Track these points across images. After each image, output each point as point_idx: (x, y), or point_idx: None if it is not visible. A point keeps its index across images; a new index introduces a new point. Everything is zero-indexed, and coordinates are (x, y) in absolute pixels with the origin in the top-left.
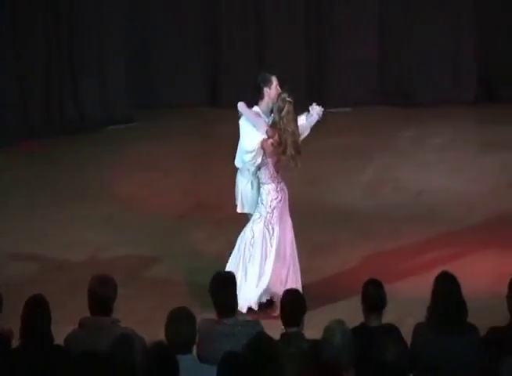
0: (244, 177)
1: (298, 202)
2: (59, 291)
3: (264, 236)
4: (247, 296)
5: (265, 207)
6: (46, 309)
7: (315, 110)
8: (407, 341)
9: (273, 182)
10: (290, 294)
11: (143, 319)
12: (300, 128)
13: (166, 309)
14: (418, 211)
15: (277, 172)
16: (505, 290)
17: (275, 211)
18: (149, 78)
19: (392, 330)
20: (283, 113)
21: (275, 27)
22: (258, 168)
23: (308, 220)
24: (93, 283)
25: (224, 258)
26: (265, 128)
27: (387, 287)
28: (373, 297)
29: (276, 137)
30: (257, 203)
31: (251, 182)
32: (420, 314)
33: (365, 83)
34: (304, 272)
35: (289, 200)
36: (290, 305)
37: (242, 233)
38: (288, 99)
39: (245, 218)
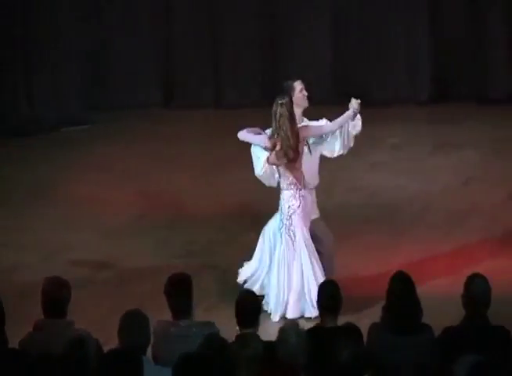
0: None
1: (254, 205)
2: (12, 292)
3: (287, 244)
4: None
5: (284, 214)
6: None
7: (351, 104)
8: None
9: (292, 188)
10: (244, 295)
11: (98, 321)
12: (319, 128)
13: (121, 311)
14: (373, 210)
15: (297, 179)
16: (461, 289)
17: (293, 216)
18: (103, 80)
19: (351, 330)
20: (277, 117)
21: (229, 27)
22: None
23: (262, 221)
24: (47, 285)
25: (178, 260)
26: (264, 143)
27: (342, 287)
28: (328, 298)
29: (278, 145)
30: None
31: None
32: (375, 314)
33: (319, 84)
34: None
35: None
36: (245, 306)
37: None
38: (280, 101)
39: (199, 219)
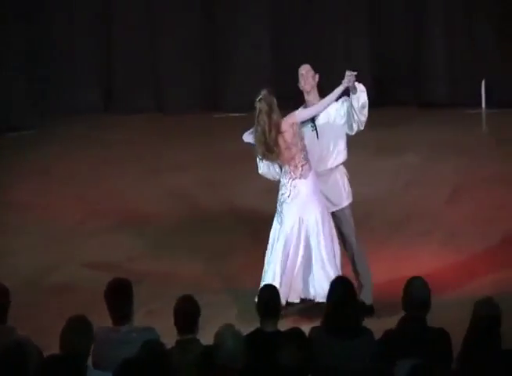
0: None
1: (194, 207)
2: None
3: (274, 229)
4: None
5: (278, 200)
6: None
7: (345, 78)
8: None
9: (286, 177)
10: (182, 300)
11: (42, 327)
12: (304, 111)
13: (63, 317)
14: None
15: (292, 169)
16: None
17: (283, 205)
18: (47, 85)
19: (295, 335)
20: (256, 113)
21: (168, 31)
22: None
23: (204, 226)
24: None
25: (120, 265)
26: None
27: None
28: (268, 302)
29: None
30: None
31: None
32: (315, 317)
33: (260, 87)
34: (198, 278)
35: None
36: (183, 313)
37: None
38: (258, 97)
39: (142, 223)
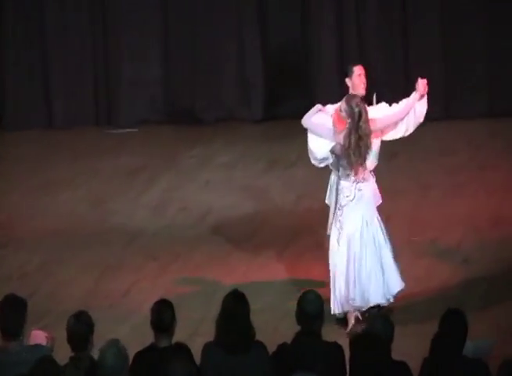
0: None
1: (84, 223)
2: None
3: (334, 233)
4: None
5: (337, 203)
6: None
7: (417, 85)
8: (197, 360)
9: (349, 180)
10: (72, 320)
11: None
12: (384, 120)
13: None
14: (206, 230)
15: (355, 172)
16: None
17: (345, 208)
18: None
19: (181, 350)
20: (356, 116)
21: (60, 47)
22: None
23: (93, 242)
24: None
25: (11, 281)
26: (333, 139)
27: (176, 307)
28: (158, 318)
29: (347, 142)
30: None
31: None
32: (208, 333)
33: (150, 102)
34: (91, 294)
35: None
36: (75, 329)
37: None
38: (353, 103)
39: (31, 240)
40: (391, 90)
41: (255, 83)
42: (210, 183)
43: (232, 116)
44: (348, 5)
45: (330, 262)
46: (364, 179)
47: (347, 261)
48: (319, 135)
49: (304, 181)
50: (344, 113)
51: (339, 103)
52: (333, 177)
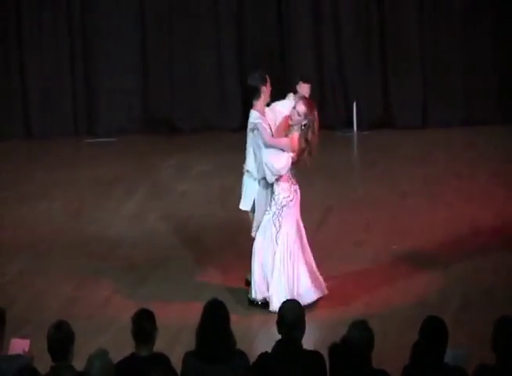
0: (252, 178)
1: (61, 234)
2: None
3: (269, 229)
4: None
5: (276, 204)
6: None
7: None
8: (177, 369)
9: (288, 181)
10: (55, 327)
11: None
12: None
13: None
14: (184, 239)
15: (292, 174)
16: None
17: (284, 209)
18: None
19: (160, 359)
20: (310, 117)
21: (38, 57)
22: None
23: (72, 252)
24: None
25: None
26: (290, 150)
27: (155, 315)
28: (139, 327)
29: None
30: (270, 200)
31: (258, 181)
32: (189, 342)
33: (128, 111)
34: (71, 303)
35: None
36: (56, 338)
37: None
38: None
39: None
40: (368, 101)
41: (233, 93)
42: (188, 192)
43: (209, 125)
44: (325, 15)
45: (258, 260)
46: (296, 182)
47: (283, 258)
48: (282, 148)
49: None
50: (299, 116)
51: (286, 101)
52: (256, 182)
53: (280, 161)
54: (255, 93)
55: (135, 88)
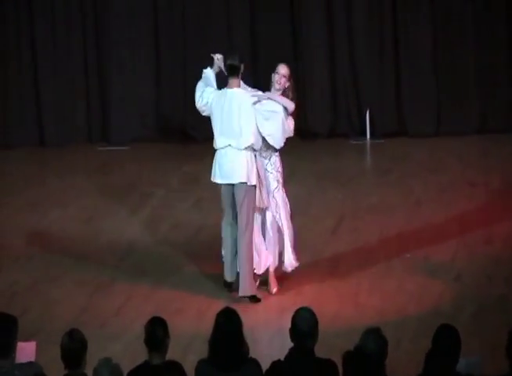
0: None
1: (75, 241)
2: None
3: (284, 201)
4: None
5: (281, 174)
6: None
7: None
8: None
9: (276, 168)
10: (68, 335)
11: None
12: None
13: None
14: (197, 247)
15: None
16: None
17: (276, 190)
18: None
19: (173, 367)
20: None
21: (52, 65)
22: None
23: (84, 260)
24: None
25: (2, 298)
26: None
27: (168, 324)
28: (152, 335)
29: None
30: (270, 172)
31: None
32: (201, 350)
33: (141, 120)
34: (83, 311)
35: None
36: (69, 347)
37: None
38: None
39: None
40: (381, 109)
41: None
42: (201, 201)
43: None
44: (339, 25)
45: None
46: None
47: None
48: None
49: (298, 198)
50: (284, 77)
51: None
52: (247, 154)
53: (292, 123)
54: (237, 71)
55: (148, 97)
